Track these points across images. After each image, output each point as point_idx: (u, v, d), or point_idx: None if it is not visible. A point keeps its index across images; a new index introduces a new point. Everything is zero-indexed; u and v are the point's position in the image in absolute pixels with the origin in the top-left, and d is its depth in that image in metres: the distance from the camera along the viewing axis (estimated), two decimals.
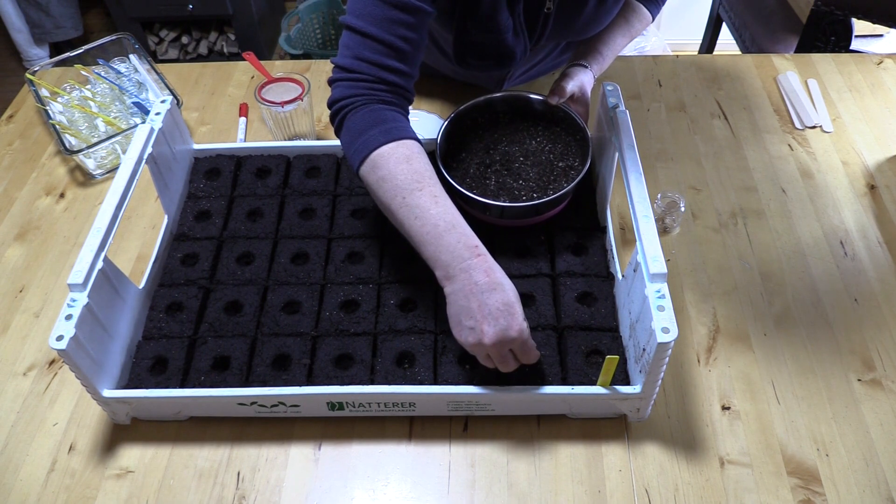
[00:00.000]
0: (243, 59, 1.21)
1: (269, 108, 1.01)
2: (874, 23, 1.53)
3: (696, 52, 2.34)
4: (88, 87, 1.17)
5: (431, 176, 0.73)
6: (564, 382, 0.74)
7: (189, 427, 0.78)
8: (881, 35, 1.81)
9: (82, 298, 0.69)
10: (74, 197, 1.05)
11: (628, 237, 0.96)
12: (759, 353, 0.83)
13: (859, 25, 1.58)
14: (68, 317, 0.67)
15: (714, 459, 0.74)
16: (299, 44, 2.20)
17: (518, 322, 0.66)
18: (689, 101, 1.17)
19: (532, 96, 0.92)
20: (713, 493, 0.72)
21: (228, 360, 0.77)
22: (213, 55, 2.67)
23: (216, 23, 2.62)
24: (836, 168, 1.05)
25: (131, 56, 1.22)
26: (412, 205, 0.70)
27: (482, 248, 0.69)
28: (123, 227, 0.99)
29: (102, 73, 1.18)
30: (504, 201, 0.85)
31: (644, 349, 0.69)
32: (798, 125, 1.12)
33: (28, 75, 1.14)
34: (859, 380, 0.81)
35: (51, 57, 2.58)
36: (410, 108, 0.81)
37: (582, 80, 0.93)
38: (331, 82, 0.78)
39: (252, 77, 1.25)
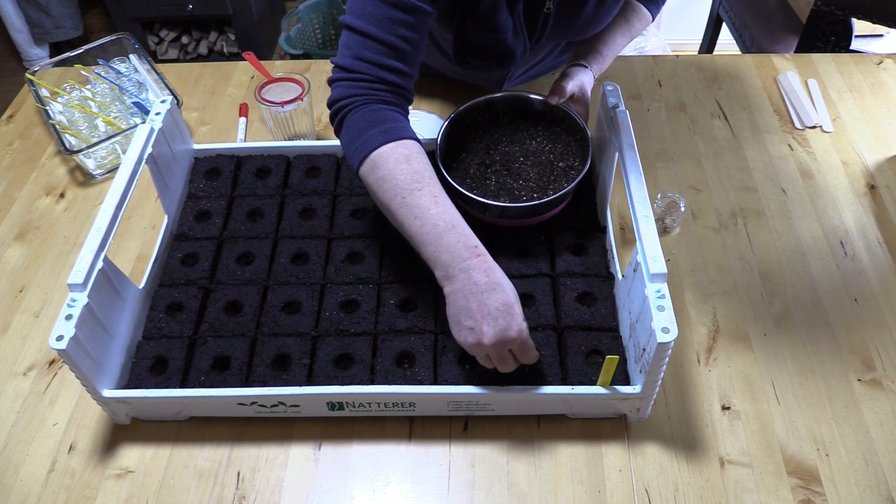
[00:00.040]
0: (243, 59, 1.21)
1: (269, 108, 1.01)
2: (874, 23, 1.53)
3: (696, 52, 2.34)
4: (88, 87, 1.17)
5: (431, 176, 0.72)
6: (564, 382, 0.74)
7: (189, 427, 0.78)
8: (881, 35, 1.82)
9: (82, 298, 0.69)
10: (74, 197, 1.05)
11: (628, 237, 0.96)
12: (759, 353, 0.83)
13: (859, 25, 1.58)
14: (68, 317, 0.67)
15: (714, 459, 0.74)
16: (299, 44, 2.20)
17: (517, 322, 0.66)
18: (689, 101, 1.17)
19: (532, 96, 0.92)
20: (713, 493, 0.72)
21: (228, 360, 0.77)
22: (213, 55, 2.67)
23: (216, 23, 2.62)
24: (836, 168, 1.05)
25: (131, 56, 1.22)
26: (412, 205, 0.70)
27: (482, 249, 0.69)
28: (123, 227, 0.99)
29: (102, 73, 1.18)
30: (504, 201, 0.85)
31: (644, 349, 0.69)
32: (798, 125, 1.12)
33: (28, 75, 1.14)
34: (859, 380, 0.81)
35: (51, 57, 2.58)
36: (410, 108, 0.81)
37: (582, 80, 0.93)
38: (330, 82, 0.78)
39: (252, 77, 1.25)
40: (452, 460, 0.75)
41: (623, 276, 0.80)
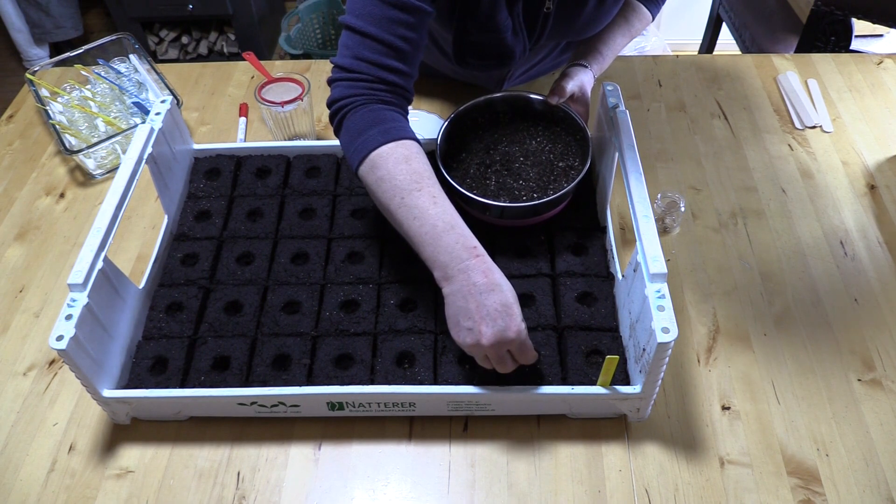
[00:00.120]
0: (243, 59, 1.21)
1: (269, 108, 1.01)
2: (874, 23, 1.53)
3: (696, 52, 2.34)
4: (88, 87, 1.17)
5: (430, 176, 0.72)
6: (564, 382, 0.74)
7: (189, 427, 0.78)
8: (881, 35, 1.82)
9: (82, 298, 0.69)
10: (74, 197, 1.05)
11: (628, 237, 0.96)
12: (759, 353, 0.83)
13: (859, 25, 1.58)
14: (68, 317, 0.67)
15: (714, 459, 0.74)
16: (299, 44, 2.20)
17: (516, 323, 0.66)
18: (689, 101, 1.17)
19: (532, 96, 0.92)
20: (713, 493, 0.72)
21: (228, 360, 0.77)
22: (213, 55, 2.67)
23: (216, 23, 2.62)
24: (836, 168, 1.05)
25: (131, 56, 1.22)
26: (411, 205, 0.70)
27: (480, 249, 0.69)
28: (123, 227, 0.99)
29: (102, 73, 1.18)
30: (504, 201, 0.85)
31: (644, 349, 0.69)
32: (798, 125, 1.12)
33: (28, 75, 1.14)
34: (859, 380, 0.81)
35: (51, 57, 2.58)
36: (410, 108, 0.81)
37: (582, 80, 0.93)
38: (330, 82, 0.78)
39: (252, 77, 1.25)
40: (452, 460, 0.75)
41: (623, 276, 0.80)
